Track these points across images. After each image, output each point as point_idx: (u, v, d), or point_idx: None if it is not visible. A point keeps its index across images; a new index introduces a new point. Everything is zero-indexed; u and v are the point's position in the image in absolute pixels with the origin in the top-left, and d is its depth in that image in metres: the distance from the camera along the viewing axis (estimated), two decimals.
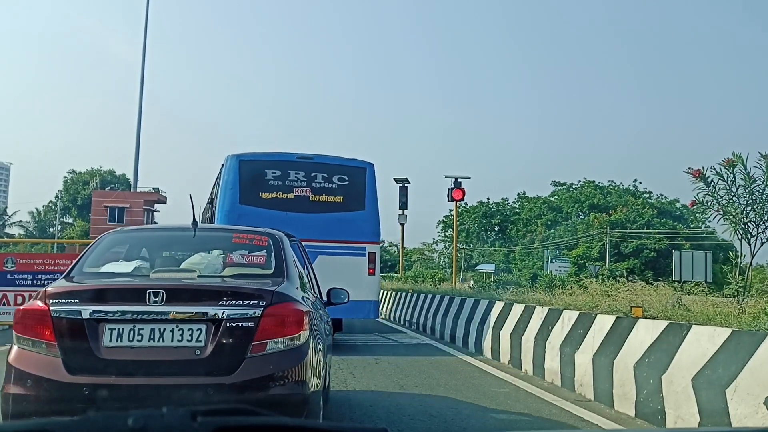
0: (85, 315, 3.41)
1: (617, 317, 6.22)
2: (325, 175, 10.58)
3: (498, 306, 9.70)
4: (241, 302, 3.50)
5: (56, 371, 3.37)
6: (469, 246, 69.82)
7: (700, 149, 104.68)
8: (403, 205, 23.56)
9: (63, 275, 4.03)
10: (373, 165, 11.02)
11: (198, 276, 3.99)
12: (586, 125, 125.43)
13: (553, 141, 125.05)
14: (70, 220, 69.68)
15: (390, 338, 12.61)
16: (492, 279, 39.45)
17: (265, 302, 3.52)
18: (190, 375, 3.44)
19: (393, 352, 10.19)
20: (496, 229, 67.14)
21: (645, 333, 5.64)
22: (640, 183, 62.41)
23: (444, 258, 79.65)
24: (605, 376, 6.08)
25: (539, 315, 8.06)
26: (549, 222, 59.77)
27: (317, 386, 3.80)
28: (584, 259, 46.86)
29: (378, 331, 14.06)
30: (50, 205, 74.04)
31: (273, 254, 4.32)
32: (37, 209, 75.54)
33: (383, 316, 19.02)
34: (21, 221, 74.94)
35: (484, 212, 66.32)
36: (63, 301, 3.47)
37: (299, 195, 10.42)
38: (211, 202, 12.80)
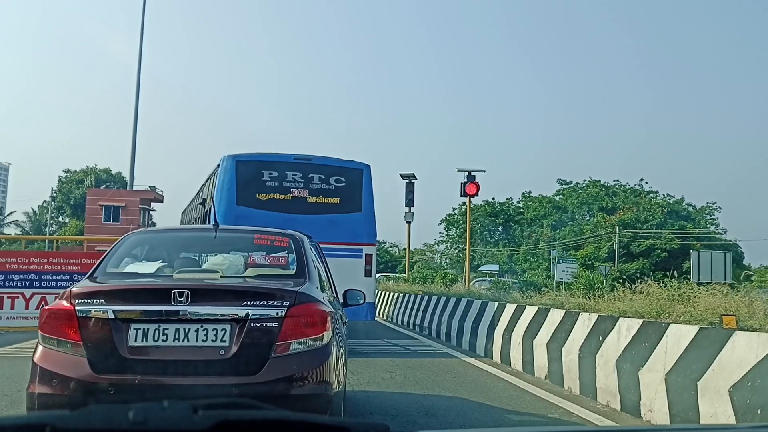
0: (111, 315, 3.44)
1: (701, 328, 5.01)
2: (323, 177, 10.55)
3: (529, 311, 8.49)
4: (265, 303, 3.52)
5: (82, 370, 3.39)
6: (472, 245, 68.63)
7: (705, 148, 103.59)
8: (410, 202, 22.38)
9: (87, 275, 4.06)
10: (369, 167, 10.93)
11: (221, 276, 4.02)
12: (591, 124, 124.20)
13: (558, 139, 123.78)
14: (66, 220, 68.59)
15: (402, 345, 11.42)
16: (505, 280, 38.10)
17: (288, 303, 3.54)
18: (214, 375, 3.44)
19: (408, 363, 9.00)
20: (499, 229, 65.93)
21: (746, 349, 4.43)
22: (646, 183, 61.32)
23: (445, 259, 78.45)
24: (686, 401, 4.87)
25: (585, 323, 6.85)
26: (554, 222, 58.55)
27: (339, 386, 3.84)
28: (592, 259, 45.59)
29: (387, 337, 12.88)
30: (44, 204, 72.91)
31: (294, 255, 4.34)
32: (33, 209, 74.46)
33: (390, 320, 17.92)
34: (17, 221, 73.92)
35: (488, 212, 65.13)
36: (88, 301, 3.49)
37: (296, 196, 10.36)
38: (201, 203, 12.57)
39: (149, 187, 51.29)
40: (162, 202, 53.52)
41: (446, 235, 72.85)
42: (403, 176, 22.28)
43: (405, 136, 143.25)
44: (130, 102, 47.39)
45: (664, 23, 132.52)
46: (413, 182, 22.41)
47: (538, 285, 10.09)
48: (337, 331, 4.02)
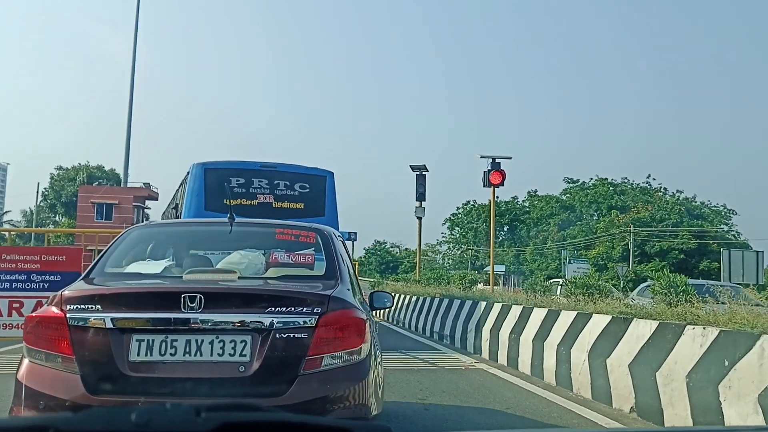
0: (109, 324, 2.98)
1: None
2: (287, 183, 10.95)
3: (598, 322, 6.68)
4: (293, 309, 3.04)
5: (74, 390, 2.93)
6: (476, 246, 66.91)
7: (714, 143, 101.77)
8: (421, 196, 20.57)
9: (82, 276, 3.57)
10: (332, 173, 11.35)
11: (239, 278, 3.55)
12: (595, 122, 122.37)
13: (562, 137, 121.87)
14: (63, 219, 66.89)
15: (424, 359, 9.62)
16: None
17: (319, 309, 3.06)
18: (233, 396, 2.93)
19: (440, 385, 7.25)
20: (505, 228, 64.11)
21: None
22: (654, 179, 59.48)
23: (448, 259, 76.67)
24: None
25: (695, 340, 5.05)
26: (561, 222, 56.78)
27: (379, 408, 3.34)
28: (605, 259, 43.72)
29: (404, 348, 11.07)
30: (41, 204, 71.24)
31: (323, 253, 3.84)
32: (30, 208, 72.85)
33: (399, 324, 16.22)
34: (11, 221, 72.32)
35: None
36: (83, 306, 3.02)
37: (262, 202, 10.74)
38: (175, 207, 12.93)
39: (144, 184, 49.34)
40: (157, 199, 51.57)
41: (450, 235, 71.18)
42: (413, 168, 20.51)
43: (406, 136, 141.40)
44: (138, 104, 45.71)
45: (669, 15, 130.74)
46: (424, 174, 20.63)
47: (594, 287, 8.29)
48: (374, 341, 3.46)
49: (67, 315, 3.00)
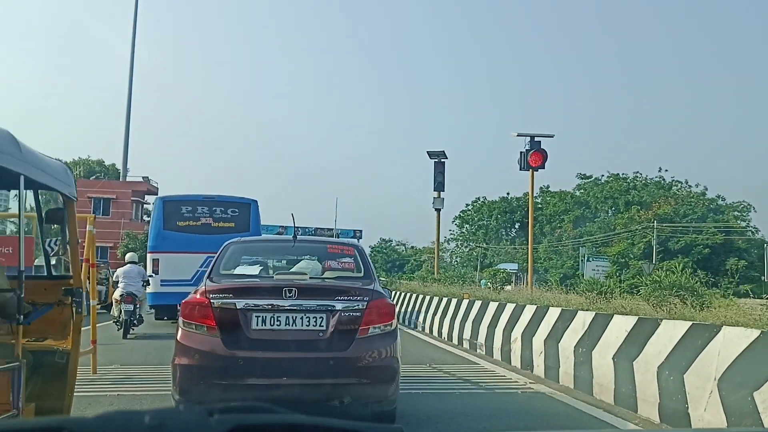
0: (239, 305, 4.70)
1: None
2: (222, 209, 14.63)
3: (734, 338, 4.74)
4: (350, 298, 4.80)
5: (216, 347, 4.61)
6: (486, 243, 64.92)
7: (728, 137, 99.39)
8: (440, 186, 18.62)
9: (206, 275, 5.27)
10: (256, 201, 15.05)
11: (309, 278, 5.33)
12: (605, 116, 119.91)
13: (572, 131, 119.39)
14: None
15: (464, 377, 7.72)
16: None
17: (367, 298, 4.83)
18: (316, 350, 4.70)
19: (497, 416, 5.37)
20: (516, 226, 62.06)
21: None
22: (667, 171, 57.15)
23: (456, 258, 74.72)
24: None
25: None
26: (575, 218, 54.72)
27: (401, 363, 4.99)
28: (625, 257, 41.57)
29: (434, 359, 9.19)
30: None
31: (360, 261, 5.75)
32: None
33: (419, 328, 14.33)
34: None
35: (504, 208, 61.34)
36: (220, 295, 4.74)
37: (204, 222, 14.41)
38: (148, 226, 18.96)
39: (143, 178, 47.37)
40: (156, 194, 49.76)
41: (459, 232, 69.15)
42: (431, 155, 18.56)
43: (409, 132, 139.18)
44: (145, 101, 44.13)
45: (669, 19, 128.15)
46: (443, 162, 18.68)
47: (690, 288, 6.45)
48: (398, 320, 5.20)
49: (210, 300, 4.72)
